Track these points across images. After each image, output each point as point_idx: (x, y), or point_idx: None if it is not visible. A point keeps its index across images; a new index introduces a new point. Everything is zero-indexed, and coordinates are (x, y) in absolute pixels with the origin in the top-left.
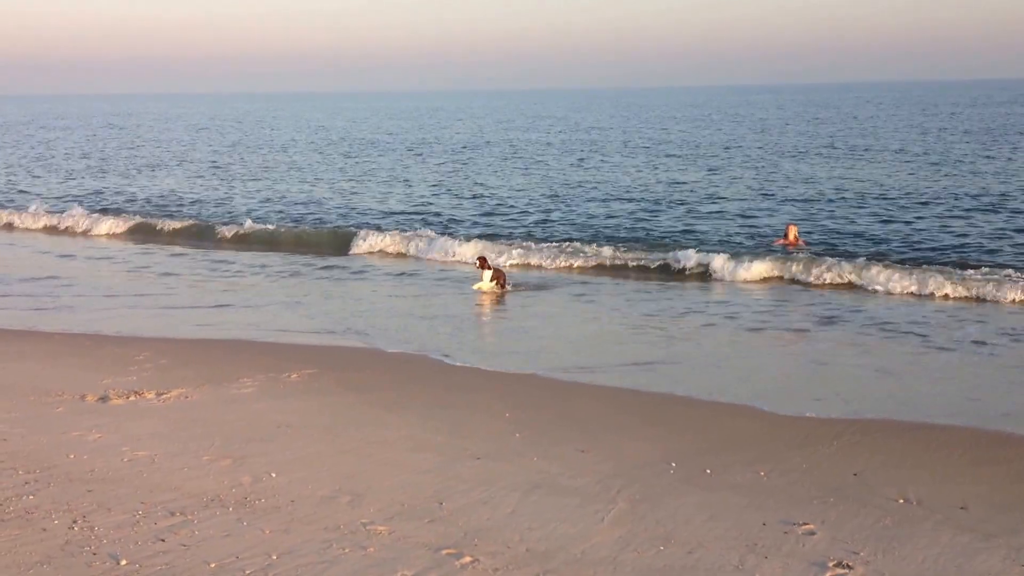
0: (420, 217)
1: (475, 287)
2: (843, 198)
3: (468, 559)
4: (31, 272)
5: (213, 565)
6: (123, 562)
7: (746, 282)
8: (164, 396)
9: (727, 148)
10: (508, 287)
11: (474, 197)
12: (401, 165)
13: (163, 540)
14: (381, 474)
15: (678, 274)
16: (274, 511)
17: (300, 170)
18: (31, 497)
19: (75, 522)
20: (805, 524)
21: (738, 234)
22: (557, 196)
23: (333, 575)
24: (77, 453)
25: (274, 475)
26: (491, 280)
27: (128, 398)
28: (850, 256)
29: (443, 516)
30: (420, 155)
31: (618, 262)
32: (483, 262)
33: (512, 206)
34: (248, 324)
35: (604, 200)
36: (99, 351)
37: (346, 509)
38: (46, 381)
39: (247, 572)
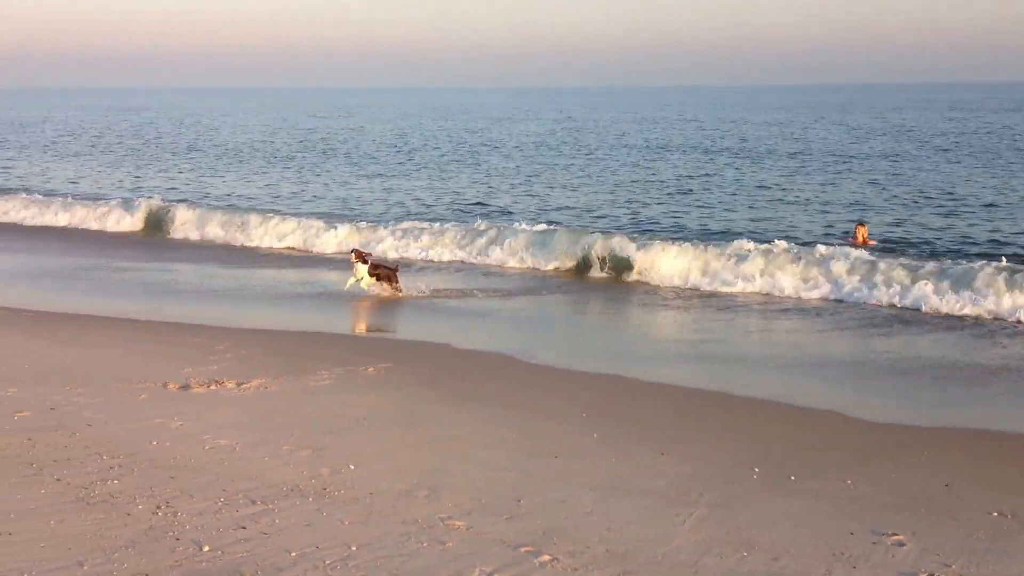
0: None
1: (348, 285)
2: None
3: (547, 557)
4: None
5: (294, 554)
6: (205, 548)
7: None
8: (244, 386)
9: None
10: (399, 288)
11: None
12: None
13: (244, 528)
14: (458, 469)
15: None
16: (353, 502)
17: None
18: (116, 482)
19: (159, 508)
20: (894, 534)
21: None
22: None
23: (412, 568)
24: (160, 440)
25: (352, 467)
26: (371, 275)
27: (209, 387)
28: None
29: (521, 513)
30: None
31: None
32: (358, 254)
33: None
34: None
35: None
36: (181, 340)
37: (424, 503)
38: (129, 369)
39: (327, 562)
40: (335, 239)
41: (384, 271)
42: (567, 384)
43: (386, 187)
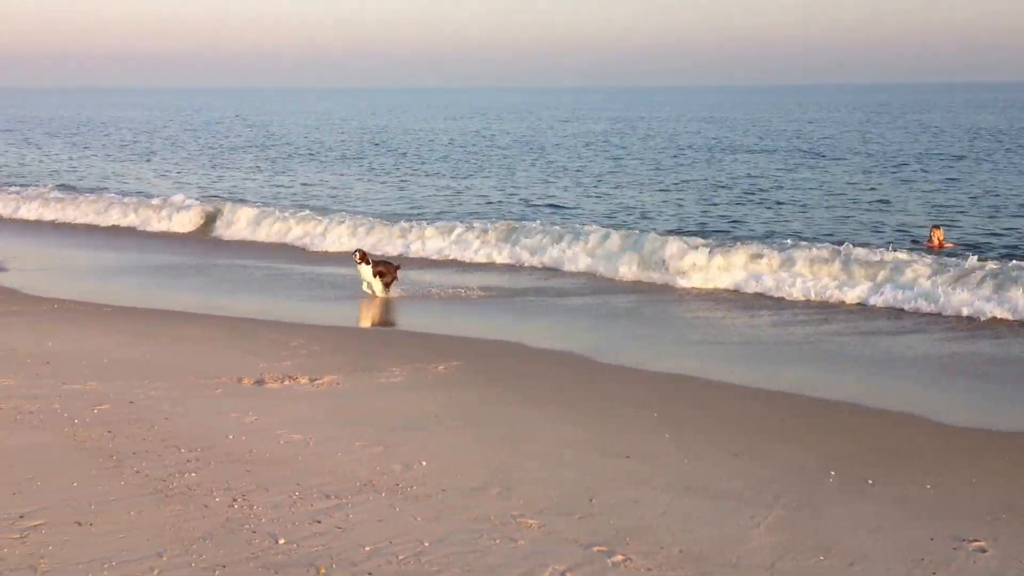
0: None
1: (365, 286)
2: None
3: (620, 557)
4: None
5: (368, 548)
6: (281, 541)
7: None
8: (317, 382)
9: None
10: (393, 290)
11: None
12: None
13: (319, 522)
14: (529, 468)
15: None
16: (425, 499)
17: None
18: (193, 475)
19: (235, 500)
20: (975, 541)
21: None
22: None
23: (484, 565)
24: (235, 434)
25: (424, 463)
26: (374, 275)
27: (283, 382)
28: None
29: (593, 513)
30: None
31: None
32: (362, 255)
33: None
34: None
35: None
36: (255, 335)
37: (495, 501)
38: (205, 363)
39: (400, 557)
40: (421, 241)
41: (386, 269)
42: (638, 384)
43: (460, 187)
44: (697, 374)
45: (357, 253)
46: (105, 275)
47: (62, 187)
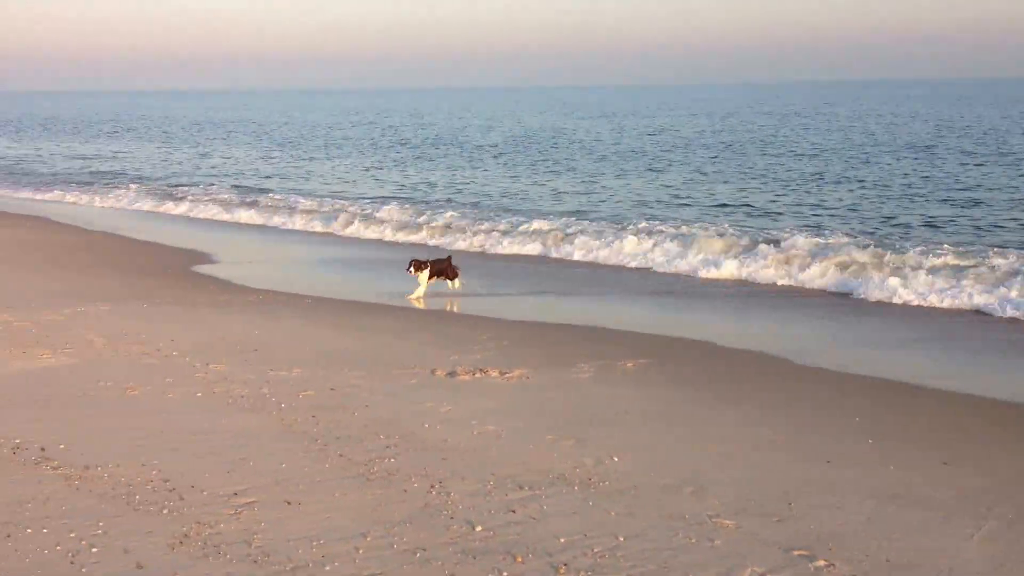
0: None
1: (416, 295)
2: None
3: (823, 563)
4: None
5: (562, 540)
6: (478, 528)
7: None
8: (507, 375)
9: None
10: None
11: None
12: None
13: (513, 511)
14: (723, 468)
15: None
16: (618, 494)
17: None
18: (392, 460)
19: (432, 487)
20: None
21: None
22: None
23: (680, 563)
24: (431, 423)
25: (615, 459)
26: (432, 276)
27: (474, 375)
28: None
29: (792, 517)
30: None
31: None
32: (417, 265)
33: None
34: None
35: None
36: (446, 329)
37: (690, 500)
38: (401, 354)
39: (595, 550)
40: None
41: (444, 267)
42: (837, 387)
43: (628, 186)
44: (902, 379)
45: (413, 264)
46: (307, 267)
47: (293, 192)
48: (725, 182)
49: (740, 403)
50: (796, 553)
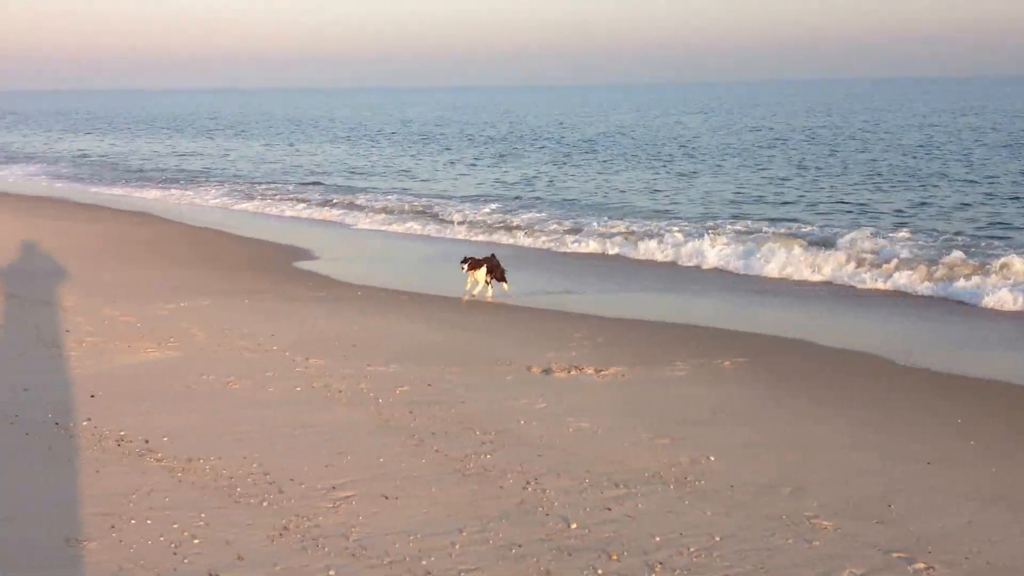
0: None
1: (479, 292)
2: None
3: (922, 565)
4: None
5: (658, 539)
6: (573, 525)
7: None
8: (602, 373)
9: None
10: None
11: None
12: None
13: (609, 509)
14: (821, 469)
15: None
16: (714, 493)
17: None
18: (488, 456)
19: (528, 483)
20: None
21: None
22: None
23: (777, 563)
24: (527, 419)
25: (712, 458)
26: (488, 276)
27: (569, 372)
28: None
29: (892, 519)
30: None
31: None
32: (472, 263)
33: None
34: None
35: None
36: (540, 326)
37: (788, 500)
38: (496, 350)
39: (691, 549)
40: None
41: (495, 269)
42: (938, 388)
43: (729, 184)
44: (1007, 379)
45: (469, 262)
46: (404, 264)
47: (393, 190)
48: (839, 176)
49: (839, 403)
50: (895, 555)
